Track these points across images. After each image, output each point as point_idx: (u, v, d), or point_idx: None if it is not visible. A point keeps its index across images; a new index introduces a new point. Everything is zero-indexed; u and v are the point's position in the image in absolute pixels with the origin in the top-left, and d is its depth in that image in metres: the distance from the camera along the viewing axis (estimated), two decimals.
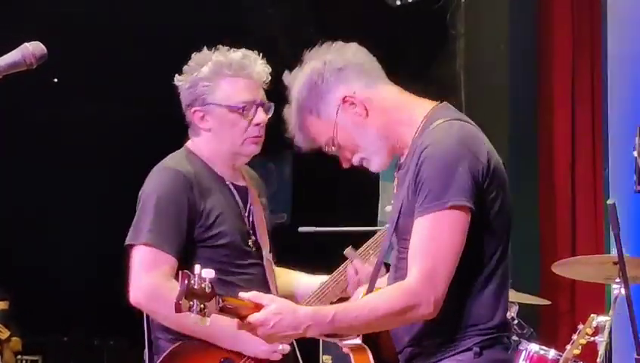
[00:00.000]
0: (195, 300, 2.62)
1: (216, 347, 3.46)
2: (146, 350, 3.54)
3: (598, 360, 4.59)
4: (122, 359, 9.70)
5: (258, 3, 7.78)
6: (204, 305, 2.63)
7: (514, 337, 5.00)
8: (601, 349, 4.58)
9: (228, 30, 7.42)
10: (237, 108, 3.56)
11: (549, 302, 5.92)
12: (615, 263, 4.39)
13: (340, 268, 3.63)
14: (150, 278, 3.41)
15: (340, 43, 3.09)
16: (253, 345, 3.44)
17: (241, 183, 3.68)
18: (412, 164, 2.89)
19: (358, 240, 3.70)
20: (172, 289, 3.26)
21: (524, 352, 4.87)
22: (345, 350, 3.19)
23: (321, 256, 3.90)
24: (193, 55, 3.65)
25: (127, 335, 9.47)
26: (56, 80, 9.21)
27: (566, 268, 5.19)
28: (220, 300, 2.67)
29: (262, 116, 3.59)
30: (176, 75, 3.65)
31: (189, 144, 3.68)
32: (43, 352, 9.64)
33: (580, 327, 4.64)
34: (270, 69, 3.63)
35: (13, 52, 2.46)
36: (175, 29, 7.89)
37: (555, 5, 7.01)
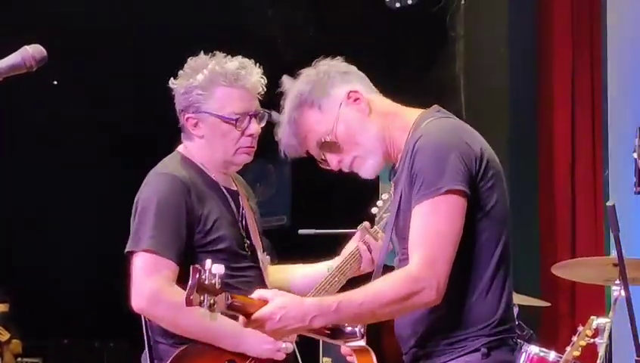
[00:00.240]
0: (205, 295, 2.63)
1: (220, 350, 3.46)
2: (146, 354, 3.52)
3: (597, 362, 4.59)
4: (123, 361, 9.68)
5: (258, 3, 7.78)
6: (214, 300, 2.64)
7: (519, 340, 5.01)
8: (601, 351, 4.58)
9: (228, 30, 7.46)
10: (230, 119, 3.56)
11: (549, 304, 5.92)
12: (615, 265, 4.39)
13: (347, 256, 3.66)
14: (152, 283, 3.40)
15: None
16: (256, 345, 3.45)
17: (233, 187, 3.70)
18: (406, 162, 2.92)
19: None
20: (175, 293, 3.28)
21: (524, 353, 4.87)
22: (346, 352, 3.17)
23: (321, 258, 3.90)
24: (189, 59, 3.64)
25: (127, 337, 9.45)
26: (56, 82, 9.22)
27: (566, 270, 5.19)
28: (229, 297, 2.68)
29: (255, 127, 3.60)
30: (172, 78, 3.64)
31: (182, 148, 3.68)
32: (43, 354, 9.62)
33: (580, 328, 4.64)
34: (266, 80, 3.63)
35: (13, 55, 2.45)
36: (175, 29, 7.89)
37: (555, 7, 7.01)
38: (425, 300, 2.80)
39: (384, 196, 3.86)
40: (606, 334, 4.59)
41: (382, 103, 3.07)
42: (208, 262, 2.68)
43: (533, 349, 4.87)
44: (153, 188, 3.52)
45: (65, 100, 9.19)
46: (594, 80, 6.86)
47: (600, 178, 6.73)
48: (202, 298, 2.63)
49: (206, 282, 2.64)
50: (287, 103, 3.07)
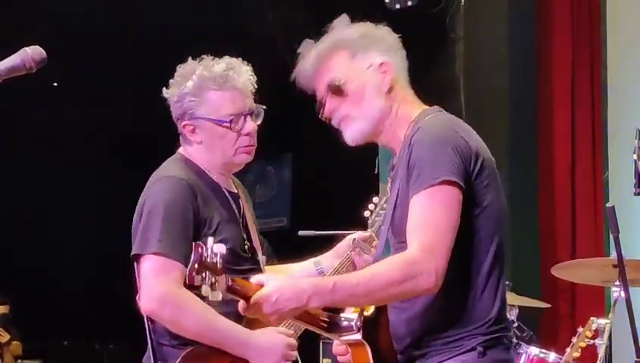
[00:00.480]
0: (207, 272, 2.63)
1: (226, 352, 3.47)
2: (149, 356, 3.52)
3: None
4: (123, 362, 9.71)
5: (258, 3, 7.78)
6: (215, 279, 2.64)
7: (514, 339, 5.01)
8: (601, 352, 4.58)
9: (228, 30, 7.45)
10: (224, 122, 3.57)
11: (549, 305, 5.92)
12: (615, 266, 4.39)
13: (343, 260, 3.69)
14: (162, 285, 3.40)
15: None
16: (261, 357, 3.47)
17: (233, 190, 3.71)
18: (404, 156, 2.93)
19: None
20: (184, 295, 3.29)
21: (524, 355, 4.87)
22: (337, 351, 3.16)
23: None
24: (178, 67, 3.65)
25: (127, 338, 9.46)
26: (56, 84, 9.23)
27: (566, 271, 5.19)
28: (230, 279, 2.68)
29: (251, 126, 3.60)
30: (164, 88, 3.65)
31: (182, 151, 3.68)
32: (43, 355, 9.62)
33: (580, 329, 4.65)
34: (255, 78, 3.62)
35: (13, 56, 2.45)
36: (175, 29, 7.89)
37: (555, 7, 7.01)
38: (423, 286, 2.78)
39: (375, 199, 3.86)
40: (606, 335, 4.59)
41: (405, 92, 3.08)
42: (210, 240, 2.68)
43: (533, 350, 4.88)
44: (159, 191, 3.51)
45: (65, 101, 9.20)
46: (594, 80, 6.85)
47: (600, 180, 6.73)
48: (204, 275, 2.62)
49: (208, 260, 2.63)
50: (329, 38, 3.08)
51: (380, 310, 3.05)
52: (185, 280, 2.65)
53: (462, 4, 7.09)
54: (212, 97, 3.56)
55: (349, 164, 7.91)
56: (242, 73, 3.59)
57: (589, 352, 4.64)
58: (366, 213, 3.69)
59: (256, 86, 3.61)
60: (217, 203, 3.57)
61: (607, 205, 3.84)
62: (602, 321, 4.60)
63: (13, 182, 9.51)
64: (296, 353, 3.55)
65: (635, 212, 5.68)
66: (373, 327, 3.08)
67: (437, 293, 2.83)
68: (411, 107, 3.06)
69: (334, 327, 2.99)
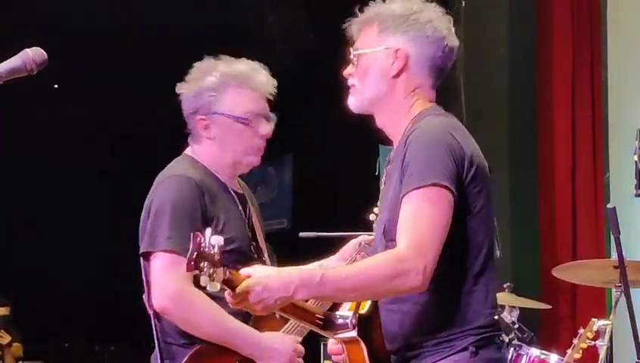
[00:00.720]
0: (205, 262, 2.62)
1: (233, 350, 3.49)
2: (156, 354, 3.52)
3: None
4: None
5: (258, 3, 7.78)
6: (214, 270, 2.63)
7: (515, 341, 5.00)
8: (602, 353, 4.57)
9: (228, 30, 7.45)
10: (243, 119, 3.60)
11: (550, 307, 5.91)
12: (616, 267, 4.38)
13: (348, 262, 3.70)
14: (175, 283, 3.41)
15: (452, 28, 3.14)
16: (270, 358, 3.49)
17: (239, 190, 3.73)
18: (400, 154, 2.94)
19: None
20: (196, 294, 3.33)
21: (525, 356, 4.87)
22: (332, 351, 3.15)
23: None
24: (196, 64, 3.66)
25: (128, 340, 9.47)
26: (56, 86, 9.23)
27: (567, 272, 5.18)
28: (228, 272, 2.67)
29: (267, 128, 3.65)
30: (179, 83, 3.65)
31: (189, 151, 3.69)
32: (44, 357, 9.62)
33: (581, 331, 4.64)
34: (275, 82, 3.66)
35: (14, 58, 2.44)
36: (175, 29, 7.89)
37: (555, 7, 7.00)
38: (411, 284, 2.77)
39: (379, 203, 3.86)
40: (607, 336, 4.58)
41: (415, 84, 3.06)
42: (208, 231, 2.67)
43: (534, 352, 4.87)
44: (168, 190, 3.53)
45: (65, 101, 9.20)
46: (595, 81, 6.85)
47: (600, 181, 6.72)
48: (202, 265, 2.62)
49: (206, 250, 2.63)
50: (376, 7, 3.09)
51: (375, 308, 3.05)
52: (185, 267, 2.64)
53: (462, 5, 7.09)
54: (233, 94, 3.59)
55: (350, 165, 7.92)
56: (263, 75, 3.64)
57: (590, 354, 4.63)
58: (371, 217, 3.68)
59: (275, 92, 3.65)
60: (224, 202, 3.59)
61: (608, 206, 3.84)
62: (603, 322, 4.59)
63: (13, 182, 9.50)
64: (302, 362, 3.57)
65: (635, 213, 5.67)
66: (367, 325, 3.08)
67: (429, 294, 2.84)
68: (417, 102, 3.06)
69: (329, 324, 2.99)
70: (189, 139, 3.69)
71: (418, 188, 2.82)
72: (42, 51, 2.47)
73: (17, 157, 9.31)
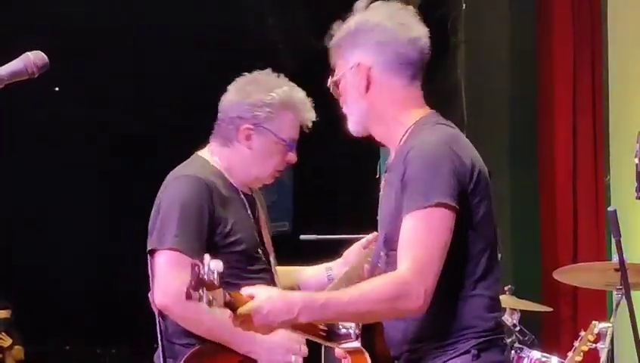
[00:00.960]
0: (204, 290, 2.64)
1: (233, 350, 3.52)
2: (160, 354, 3.53)
3: None
4: None
5: (258, 3, 7.78)
6: (212, 296, 2.65)
7: (516, 344, 5.00)
8: (603, 356, 4.56)
9: (228, 30, 7.44)
10: (285, 141, 3.70)
11: (551, 309, 5.90)
12: (616, 270, 4.37)
13: (355, 265, 3.69)
14: (177, 281, 3.42)
15: (413, 18, 3.14)
16: (268, 354, 3.52)
17: (249, 192, 3.77)
18: (399, 167, 2.92)
19: None
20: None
21: (526, 359, 4.87)
22: (340, 354, 3.16)
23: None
24: (257, 73, 3.74)
25: (129, 343, 9.48)
26: (57, 88, 9.23)
27: (568, 275, 5.17)
28: (227, 295, 2.69)
29: (294, 157, 3.75)
30: (232, 83, 3.71)
31: (203, 152, 3.73)
32: (45, 360, 9.63)
33: (582, 333, 4.63)
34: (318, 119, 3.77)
35: (15, 61, 2.46)
36: (175, 29, 7.89)
37: (555, 7, 6.99)
38: (411, 306, 2.80)
39: None
40: (608, 339, 4.57)
41: (388, 90, 3.03)
42: (207, 257, 2.69)
43: (535, 354, 4.87)
44: (177, 189, 3.58)
45: (65, 101, 9.20)
46: (596, 82, 6.83)
47: (601, 183, 6.71)
48: (201, 292, 2.64)
49: (205, 277, 2.64)
50: (339, 33, 3.08)
51: None
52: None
53: (463, 8, 7.09)
54: (286, 116, 3.69)
55: (351, 168, 7.91)
56: (312, 111, 3.76)
57: (591, 356, 4.62)
58: None
59: (310, 126, 3.76)
60: (233, 204, 3.64)
61: (609, 208, 3.84)
62: (604, 325, 4.58)
63: (14, 182, 9.50)
64: (304, 347, 3.56)
65: (637, 215, 5.67)
66: (369, 332, 3.09)
67: (432, 299, 2.83)
68: (407, 111, 3.03)
69: (333, 335, 3.01)
70: (211, 138, 3.73)
71: (420, 208, 2.82)
72: (43, 54, 2.49)
73: (17, 157, 9.32)
